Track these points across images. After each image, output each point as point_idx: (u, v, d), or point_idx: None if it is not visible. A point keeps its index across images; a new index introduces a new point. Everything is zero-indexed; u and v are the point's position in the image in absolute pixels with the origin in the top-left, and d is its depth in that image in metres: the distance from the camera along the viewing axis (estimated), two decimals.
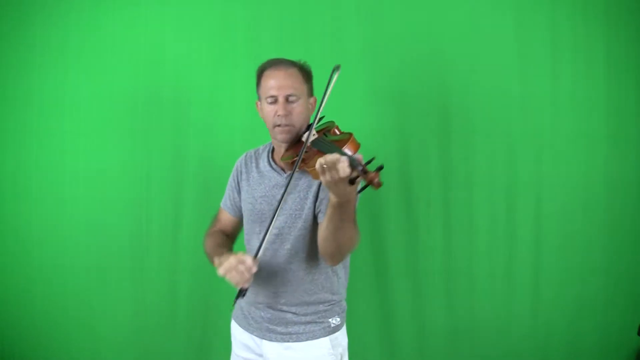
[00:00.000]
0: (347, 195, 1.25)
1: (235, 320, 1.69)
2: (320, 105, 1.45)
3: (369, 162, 1.24)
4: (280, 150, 1.59)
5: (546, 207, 2.38)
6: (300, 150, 1.42)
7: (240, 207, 1.68)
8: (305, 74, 1.56)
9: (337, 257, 1.46)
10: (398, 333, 2.41)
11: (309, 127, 1.53)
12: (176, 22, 2.42)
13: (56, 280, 2.46)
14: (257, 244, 1.47)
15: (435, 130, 2.38)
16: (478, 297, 2.40)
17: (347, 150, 1.36)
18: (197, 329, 2.46)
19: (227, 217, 1.75)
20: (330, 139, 1.43)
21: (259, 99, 1.56)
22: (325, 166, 1.19)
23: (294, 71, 1.52)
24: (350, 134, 1.41)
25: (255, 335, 1.60)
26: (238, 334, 1.67)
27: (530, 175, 2.37)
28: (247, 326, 1.63)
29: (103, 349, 2.47)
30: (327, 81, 1.45)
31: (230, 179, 1.73)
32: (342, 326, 1.61)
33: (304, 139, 1.50)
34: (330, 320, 1.57)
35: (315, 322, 1.55)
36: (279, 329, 1.55)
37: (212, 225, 1.78)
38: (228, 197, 1.73)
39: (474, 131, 2.37)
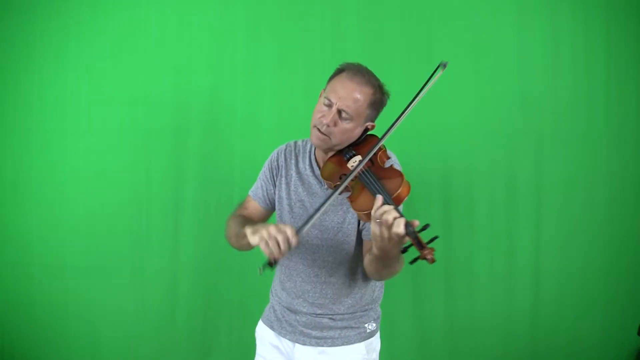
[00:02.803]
0: (391, 251, 1.20)
1: (266, 323, 1.62)
2: (411, 103, 1.31)
3: (423, 229, 1.15)
4: (321, 153, 1.51)
5: (546, 207, 2.38)
6: (343, 178, 1.33)
7: (274, 200, 1.58)
8: (377, 99, 1.43)
9: (382, 280, 1.51)
10: (398, 333, 2.41)
11: (358, 151, 1.43)
12: (176, 22, 2.42)
13: (56, 280, 2.46)
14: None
15: (435, 129, 2.38)
16: (478, 297, 2.40)
17: (400, 194, 1.23)
18: (197, 329, 2.46)
19: (255, 207, 1.60)
20: (379, 181, 1.28)
21: (325, 89, 1.45)
22: (378, 221, 1.15)
23: (366, 90, 1.40)
24: (401, 175, 1.28)
25: (287, 339, 1.54)
26: (269, 336, 1.60)
27: (530, 175, 2.38)
28: (279, 329, 1.56)
29: (103, 349, 2.47)
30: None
31: (265, 170, 1.59)
32: (377, 331, 1.57)
33: (350, 165, 1.40)
34: (366, 325, 1.53)
35: (351, 327, 1.51)
36: (314, 333, 1.51)
37: (236, 211, 1.62)
38: (260, 188, 1.59)
39: (474, 131, 2.37)
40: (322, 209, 1.30)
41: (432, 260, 1.13)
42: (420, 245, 1.14)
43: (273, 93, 2.40)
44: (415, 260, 1.15)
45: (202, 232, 2.43)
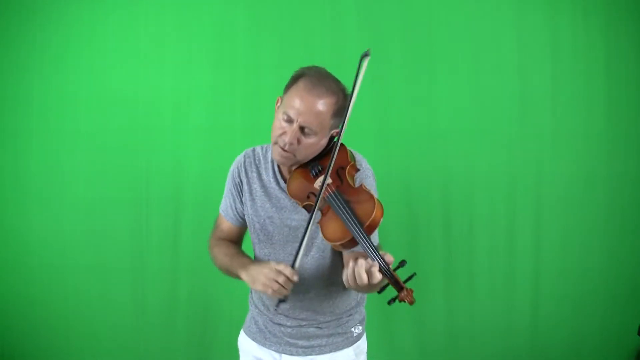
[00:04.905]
0: (369, 291, 1.17)
1: (248, 335, 1.56)
2: (347, 110, 1.24)
3: (399, 266, 1.10)
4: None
5: (546, 207, 2.38)
6: (311, 198, 1.27)
7: (244, 215, 1.51)
8: (341, 107, 1.31)
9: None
10: (398, 333, 2.41)
11: (320, 168, 1.34)
12: (176, 22, 2.42)
13: (56, 280, 2.46)
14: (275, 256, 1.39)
15: (435, 130, 2.38)
16: (478, 297, 2.40)
17: (373, 223, 1.14)
18: (197, 329, 2.46)
19: (230, 228, 1.54)
20: (349, 206, 1.19)
21: (282, 100, 1.35)
22: (351, 282, 1.11)
23: (329, 102, 1.27)
24: (372, 199, 1.17)
25: (273, 350, 1.49)
26: (251, 348, 1.54)
27: (530, 176, 2.38)
28: (263, 341, 1.51)
29: (103, 349, 2.47)
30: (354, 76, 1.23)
31: (230, 185, 1.51)
32: (364, 333, 1.55)
33: (316, 184, 1.30)
34: (352, 329, 1.50)
35: (339, 334, 1.48)
36: (300, 342, 1.47)
37: (214, 234, 1.57)
38: (229, 207, 1.51)
39: (474, 132, 2.37)
40: (307, 236, 1.25)
41: (412, 302, 1.09)
42: (398, 286, 1.09)
43: (272, 93, 2.39)
44: (393, 300, 1.11)
45: (202, 232, 2.41)
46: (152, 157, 2.43)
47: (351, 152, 1.35)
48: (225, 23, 2.40)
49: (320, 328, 1.47)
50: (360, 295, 1.54)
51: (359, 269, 1.09)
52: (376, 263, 1.09)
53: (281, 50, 2.39)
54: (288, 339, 1.48)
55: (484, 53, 2.36)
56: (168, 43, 2.42)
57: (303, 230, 1.29)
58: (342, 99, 1.32)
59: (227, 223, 1.53)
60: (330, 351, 1.47)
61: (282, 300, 1.27)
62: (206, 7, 2.40)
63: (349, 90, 1.32)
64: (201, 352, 2.46)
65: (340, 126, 1.29)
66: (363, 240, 1.13)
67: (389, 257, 1.12)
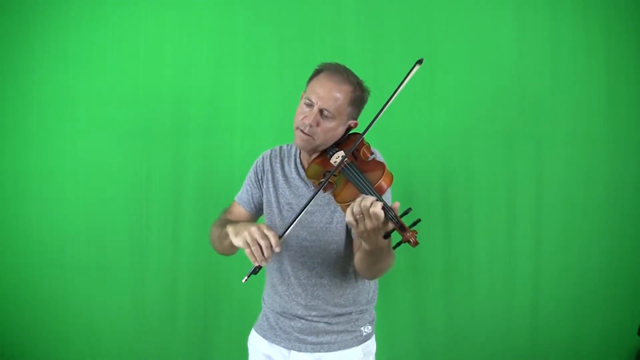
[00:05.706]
0: (379, 244, 1.20)
1: (259, 332, 1.60)
2: (387, 103, 1.33)
3: (405, 213, 1.15)
4: (306, 155, 1.52)
5: (546, 207, 2.38)
6: (326, 174, 1.35)
7: (260, 204, 1.58)
8: (358, 97, 1.45)
9: (374, 279, 1.50)
10: (398, 333, 2.41)
11: (341, 149, 1.45)
12: (176, 22, 2.42)
13: (56, 280, 2.46)
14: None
15: (434, 129, 2.38)
16: (478, 297, 2.40)
17: (382, 184, 1.25)
18: (197, 329, 2.46)
19: (241, 212, 1.60)
20: (362, 174, 1.29)
21: (305, 91, 1.48)
22: (358, 217, 1.14)
23: (346, 89, 1.42)
24: (383, 166, 1.29)
25: (282, 347, 1.52)
26: (261, 346, 1.58)
27: (530, 176, 2.38)
28: (273, 337, 1.54)
29: (103, 349, 2.47)
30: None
31: (251, 174, 1.60)
32: (373, 334, 1.56)
33: (332, 161, 1.42)
34: (362, 328, 1.52)
35: (348, 331, 1.50)
36: (309, 338, 1.49)
37: (220, 216, 1.61)
38: (246, 192, 1.60)
39: (474, 131, 2.37)
40: (305, 210, 1.30)
41: (415, 243, 1.14)
42: (402, 228, 1.15)
43: (273, 93, 2.40)
44: (398, 244, 1.16)
45: (202, 232, 2.42)
46: (152, 157, 2.43)
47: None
48: (225, 23, 2.41)
49: (330, 324, 1.49)
50: (370, 294, 1.56)
51: (365, 200, 1.14)
52: (380, 201, 1.15)
53: (281, 50, 2.39)
54: (297, 335, 1.50)
55: (484, 53, 2.36)
56: (168, 43, 2.42)
57: (318, 216, 1.41)
58: (358, 90, 1.45)
59: (239, 207, 1.61)
60: (339, 349, 1.48)
61: (255, 271, 1.25)
62: (206, 7, 2.41)
63: (365, 84, 1.46)
64: (201, 352, 2.46)
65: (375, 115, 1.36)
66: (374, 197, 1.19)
67: (396, 204, 1.18)
